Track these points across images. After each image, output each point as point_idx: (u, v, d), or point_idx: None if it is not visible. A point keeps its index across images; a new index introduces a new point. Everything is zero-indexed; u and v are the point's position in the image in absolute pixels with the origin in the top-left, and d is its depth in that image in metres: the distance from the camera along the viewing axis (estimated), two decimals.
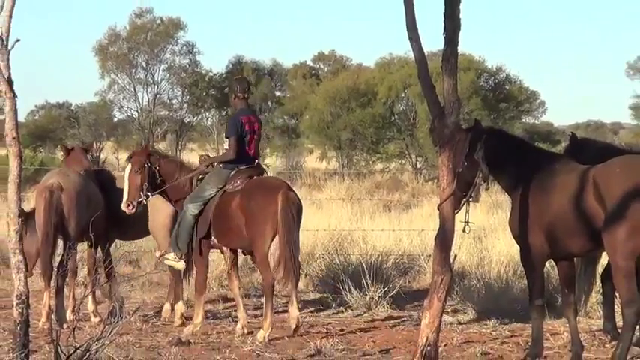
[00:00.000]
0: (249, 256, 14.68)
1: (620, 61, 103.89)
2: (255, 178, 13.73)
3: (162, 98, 62.10)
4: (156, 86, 64.62)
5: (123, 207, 14.24)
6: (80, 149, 15.41)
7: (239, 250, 14.17)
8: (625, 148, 14.59)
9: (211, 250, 14.35)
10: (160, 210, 14.64)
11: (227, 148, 13.96)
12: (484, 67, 58.45)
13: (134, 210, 14.24)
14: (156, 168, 14.15)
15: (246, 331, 13.34)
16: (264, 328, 13.02)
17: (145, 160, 14.19)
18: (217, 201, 13.53)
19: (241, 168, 13.58)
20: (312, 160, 62.23)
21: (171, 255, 13.89)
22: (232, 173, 13.58)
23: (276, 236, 13.19)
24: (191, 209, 13.54)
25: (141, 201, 14.13)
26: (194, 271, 14.27)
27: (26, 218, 13.18)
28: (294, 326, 13.21)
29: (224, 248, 14.07)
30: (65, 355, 9.85)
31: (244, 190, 13.57)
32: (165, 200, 14.48)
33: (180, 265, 13.97)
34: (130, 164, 14.69)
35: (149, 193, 14.13)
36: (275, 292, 13.99)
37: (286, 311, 14.52)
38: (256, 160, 13.98)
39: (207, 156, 15.54)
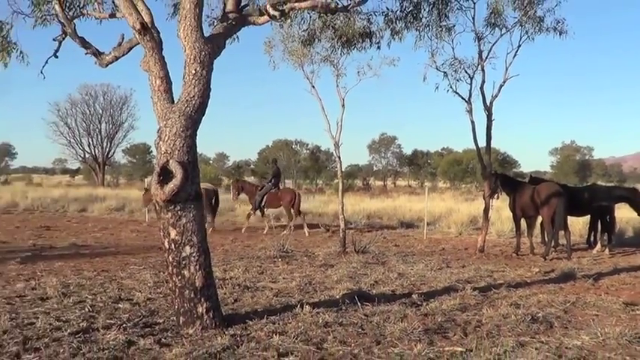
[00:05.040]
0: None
1: (545, 148, 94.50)
2: (283, 187, 13.82)
3: None
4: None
5: (232, 199, 14.45)
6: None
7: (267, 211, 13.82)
8: (549, 180, 13.84)
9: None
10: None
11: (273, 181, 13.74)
12: (498, 151, 55.47)
13: (235, 200, 14.33)
14: (241, 186, 14.05)
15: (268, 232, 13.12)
16: (286, 230, 13.04)
17: (237, 183, 14.23)
18: (268, 194, 13.42)
19: (274, 186, 13.50)
20: (441, 184, 60.08)
21: (251, 212, 13.76)
22: (272, 187, 13.51)
23: (294, 205, 13.37)
24: (258, 198, 13.44)
25: (237, 198, 14.10)
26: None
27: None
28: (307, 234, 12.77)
29: (265, 209, 13.67)
30: (355, 247, 9.62)
31: (282, 191, 13.66)
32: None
33: (251, 216, 13.81)
34: (231, 184, 14.78)
35: (239, 195, 14.00)
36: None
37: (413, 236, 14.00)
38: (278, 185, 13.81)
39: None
